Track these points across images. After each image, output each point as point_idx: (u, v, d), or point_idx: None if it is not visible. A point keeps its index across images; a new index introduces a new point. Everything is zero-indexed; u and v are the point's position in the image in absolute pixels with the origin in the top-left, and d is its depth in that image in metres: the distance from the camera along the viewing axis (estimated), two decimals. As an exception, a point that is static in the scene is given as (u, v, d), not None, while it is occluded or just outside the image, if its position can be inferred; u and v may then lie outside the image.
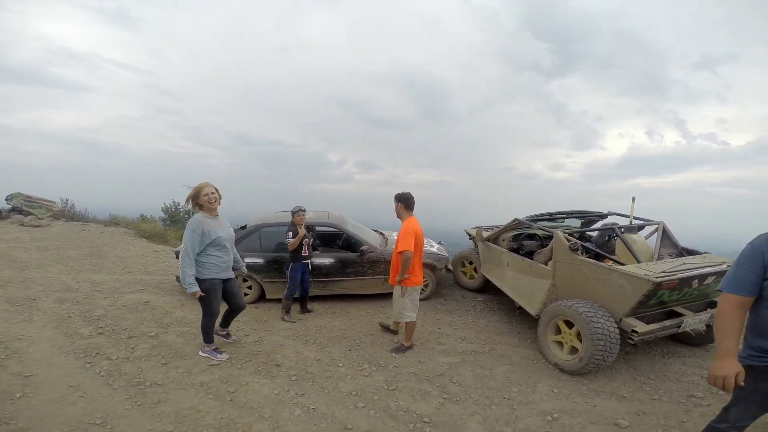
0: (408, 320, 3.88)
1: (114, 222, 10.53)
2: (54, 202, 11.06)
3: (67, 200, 11.36)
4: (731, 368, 1.65)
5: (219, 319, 3.78)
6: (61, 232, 8.79)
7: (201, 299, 3.35)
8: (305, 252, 4.67)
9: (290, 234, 4.52)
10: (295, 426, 2.66)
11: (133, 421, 2.58)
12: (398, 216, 3.88)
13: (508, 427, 2.79)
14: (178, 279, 3.39)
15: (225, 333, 3.99)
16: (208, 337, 3.60)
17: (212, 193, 3.26)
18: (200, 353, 3.63)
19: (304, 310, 5.02)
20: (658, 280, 3.15)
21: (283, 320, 4.67)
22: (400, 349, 3.96)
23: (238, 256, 3.75)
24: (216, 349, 3.64)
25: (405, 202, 3.83)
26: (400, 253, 3.65)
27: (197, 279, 3.26)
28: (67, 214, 10.83)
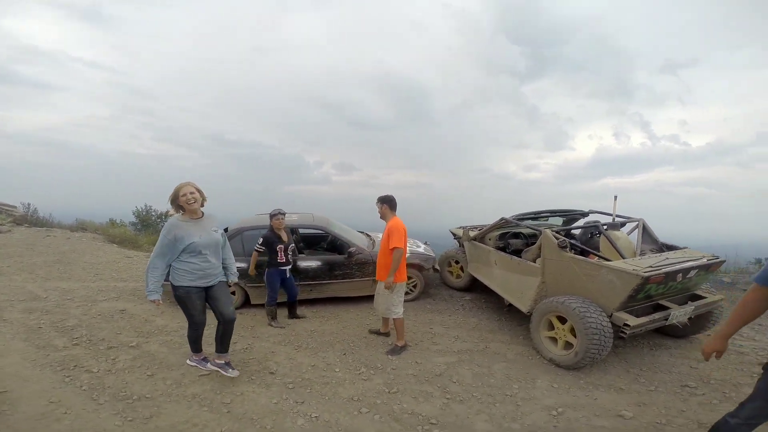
0: (396, 316, 3.91)
1: (81, 227, 9.95)
2: (15, 207, 10.34)
3: (29, 205, 10.64)
4: (713, 347, 1.97)
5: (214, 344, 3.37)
6: (24, 239, 8.22)
7: (181, 307, 3.14)
8: (281, 258, 4.41)
9: (261, 240, 4.39)
10: (300, 435, 2.57)
11: (127, 439, 2.42)
12: (382, 217, 3.96)
13: (515, 423, 2.80)
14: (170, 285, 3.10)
15: (223, 362, 3.36)
16: (194, 346, 3.39)
17: (191, 193, 2.93)
18: (188, 362, 3.43)
19: (293, 315, 4.87)
20: (647, 274, 3.25)
21: (271, 326, 4.53)
22: (395, 351, 3.94)
23: (230, 263, 3.38)
24: (204, 359, 3.42)
25: (389, 203, 3.91)
26: (392, 249, 3.69)
27: (172, 285, 3.04)
28: (29, 219, 10.13)
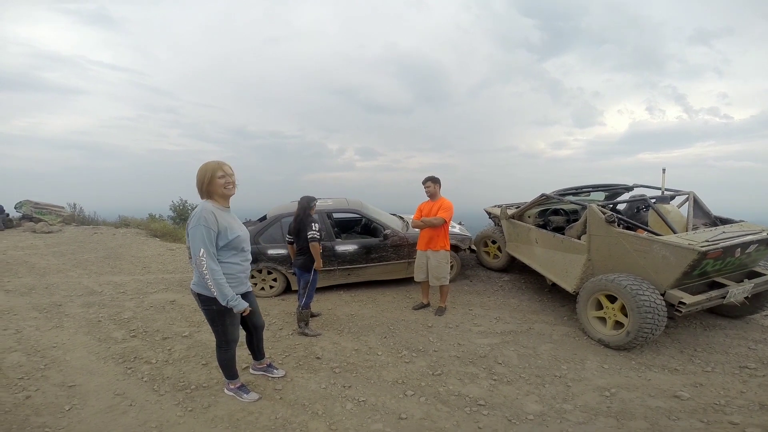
0: (447, 283, 4.43)
1: (124, 223, 10.46)
2: (63, 207, 10.98)
3: (75, 204, 11.27)
4: None
5: (239, 351, 2.96)
6: (74, 237, 8.73)
7: (215, 324, 2.55)
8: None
9: (316, 226, 3.79)
10: (350, 420, 2.62)
11: (189, 429, 2.53)
12: (433, 195, 4.34)
13: (567, 404, 2.75)
14: (198, 297, 2.50)
15: (265, 365, 3.17)
16: (229, 372, 2.81)
17: (231, 175, 2.41)
18: (225, 391, 2.89)
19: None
20: (704, 249, 3.06)
21: (305, 335, 3.95)
22: (441, 311, 4.52)
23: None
24: (241, 387, 2.87)
25: (440, 183, 4.34)
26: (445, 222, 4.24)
27: (207, 297, 2.42)
28: (77, 219, 10.77)
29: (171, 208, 12.08)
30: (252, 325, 2.90)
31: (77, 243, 8.19)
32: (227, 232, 2.38)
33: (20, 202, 10.25)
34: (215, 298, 2.39)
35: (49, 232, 9.05)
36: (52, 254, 7.25)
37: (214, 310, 2.47)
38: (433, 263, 4.33)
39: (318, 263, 3.86)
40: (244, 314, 2.52)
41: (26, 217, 9.92)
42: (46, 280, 5.69)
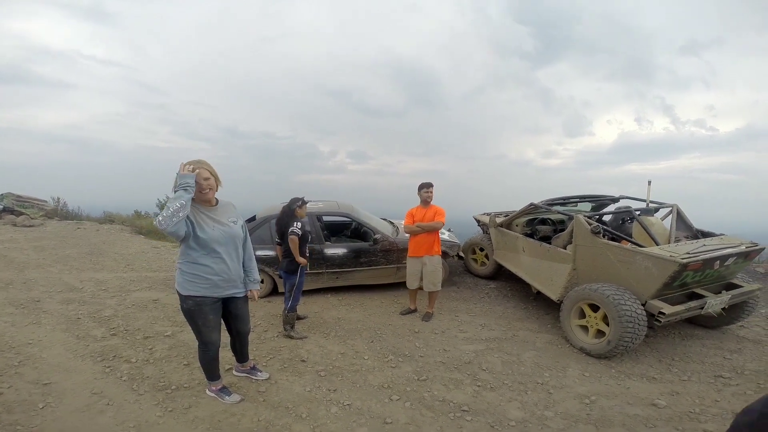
0: (438, 289, 4.45)
1: (109, 219, 10.28)
2: (45, 201, 10.75)
3: (59, 199, 11.04)
4: None
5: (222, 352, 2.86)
6: (57, 231, 8.54)
7: (189, 324, 2.54)
8: (306, 252, 3.96)
9: (298, 224, 3.76)
10: (335, 424, 2.60)
11: (169, 430, 2.48)
12: (429, 201, 4.36)
13: (548, 411, 2.78)
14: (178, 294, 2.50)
15: (249, 368, 3.14)
16: (210, 374, 2.78)
17: (205, 179, 2.31)
18: (207, 392, 2.86)
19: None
20: (684, 261, 3.15)
21: (291, 338, 3.91)
22: (428, 317, 4.52)
23: (250, 265, 2.69)
24: (223, 389, 2.82)
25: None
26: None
27: (180, 295, 2.43)
28: (60, 213, 10.56)
29: (157, 206, 11.90)
30: (235, 330, 2.81)
31: (59, 238, 8.01)
32: (194, 227, 2.31)
33: (1, 194, 10.01)
34: (186, 296, 2.42)
35: (30, 226, 8.84)
36: (32, 249, 7.08)
37: (183, 309, 2.48)
38: (430, 268, 4.34)
39: (297, 258, 3.78)
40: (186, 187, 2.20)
41: (7, 210, 9.69)
42: (24, 275, 5.56)
